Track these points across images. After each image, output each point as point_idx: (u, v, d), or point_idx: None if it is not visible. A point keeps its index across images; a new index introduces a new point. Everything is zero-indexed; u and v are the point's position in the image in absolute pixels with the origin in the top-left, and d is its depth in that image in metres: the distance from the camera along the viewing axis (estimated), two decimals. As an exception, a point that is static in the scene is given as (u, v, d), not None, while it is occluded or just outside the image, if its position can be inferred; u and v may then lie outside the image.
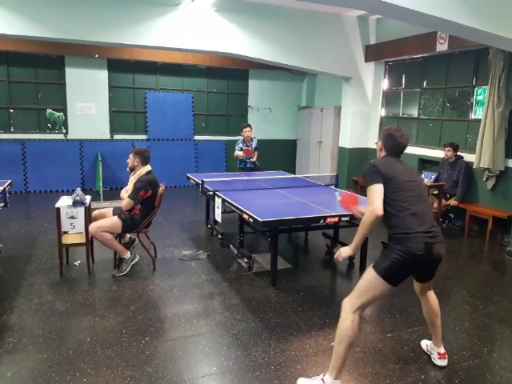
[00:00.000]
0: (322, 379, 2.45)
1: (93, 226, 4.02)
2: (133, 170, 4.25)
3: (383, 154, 2.63)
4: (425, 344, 2.96)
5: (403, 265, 2.35)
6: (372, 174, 2.43)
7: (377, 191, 2.36)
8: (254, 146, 6.59)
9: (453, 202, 5.95)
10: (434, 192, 5.96)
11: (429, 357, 2.86)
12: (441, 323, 2.76)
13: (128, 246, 4.47)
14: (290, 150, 10.10)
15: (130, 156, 4.23)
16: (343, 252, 2.50)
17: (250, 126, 6.64)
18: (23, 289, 3.77)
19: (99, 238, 4.03)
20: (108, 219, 4.16)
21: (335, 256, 2.57)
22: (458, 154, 5.98)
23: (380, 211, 2.31)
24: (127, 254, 4.19)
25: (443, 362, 2.76)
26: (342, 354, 2.38)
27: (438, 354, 2.78)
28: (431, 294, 2.75)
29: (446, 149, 5.94)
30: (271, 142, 9.80)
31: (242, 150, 6.45)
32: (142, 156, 4.23)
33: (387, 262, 2.37)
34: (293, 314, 3.44)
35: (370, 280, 2.42)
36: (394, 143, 2.57)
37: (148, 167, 4.28)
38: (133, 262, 4.25)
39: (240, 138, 6.70)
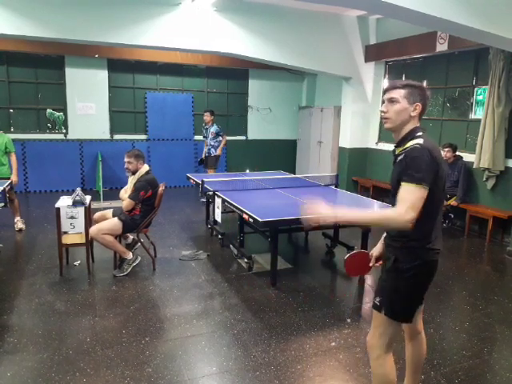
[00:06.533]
0: None
1: (93, 229, 4.02)
2: (135, 172, 4.24)
3: (414, 124, 1.90)
4: None
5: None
6: (426, 167, 1.76)
7: (422, 197, 1.77)
8: (210, 131, 7.55)
9: (453, 202, 5.95)
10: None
11: (429, 357, 2.86)
12: None
13: (130, 247, 4.48)
14: (290, 150, 10.10)
15: (131, 160, 4.18)
16: (327, 217, 1.80)
17: (209, 111, 7.66)
18: (23, 289, 3.77)
19: (100, 240, 4.03)
20: (108, 221, 4.16)
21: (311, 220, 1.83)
22: (457, 154, 5.98)
23: (411, 222, 1.74)
24: (129, 255, 4.19)
25: None
26: None
27: None
28: (422, 331, 2.26)
29: (445, 149, 5.94)
30: (271, 141, 9.81)
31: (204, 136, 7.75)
32: (143, 157, 4.28)
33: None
34: (293, 314, 3.44)
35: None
36: (426, 105, 1.92)
37: (146, 167, 4.29)
38: (134, 264, 4.24)
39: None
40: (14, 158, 5.38)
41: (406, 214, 1.74)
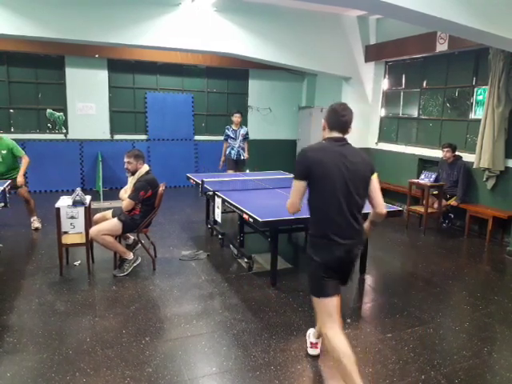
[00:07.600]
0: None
1: (93, 230, 4.01)
2: (135, 172, 4.24)
3: (327, 133, 2.42)
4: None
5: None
6: (297, 165, 2.28)
7: (297, 188, 2.27)
8: (241, 133, 7.33)
9: (453, 202, 5.95)
10: (433, 192, 5.97)
11: (429, 357, 2.86)
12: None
13: (131, 247, 4.48)
14: (290, 150, 10.08)
15: (130, 160, 4.18)
16: None
17: (240, 112, 7.40)
18: (23, 289, 3.77)
19: (100, 241, 4.03)
20: (108, 222, 4.15)
21: None
22: (457, 154, 5.98)
23: (289, 208, 2.31)
24: (130, 255, 4.19)
25: (315, 352, 2.85)
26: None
27: (311, 343, 2.87)
28: None
29: (445, 149, 5.94)
30: (271, 141, 9.80)
31: (228, 138, 7.33)
32: (142, 157, 4.27)
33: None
34: (293, 314, 3.44)
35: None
36: (336, 119, 2.40)
37: (146, 167, 4.28)
38: (135, 264, 4.24)
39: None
40: (24, 159, 5.53)
41: (288, 203, 2.31)
